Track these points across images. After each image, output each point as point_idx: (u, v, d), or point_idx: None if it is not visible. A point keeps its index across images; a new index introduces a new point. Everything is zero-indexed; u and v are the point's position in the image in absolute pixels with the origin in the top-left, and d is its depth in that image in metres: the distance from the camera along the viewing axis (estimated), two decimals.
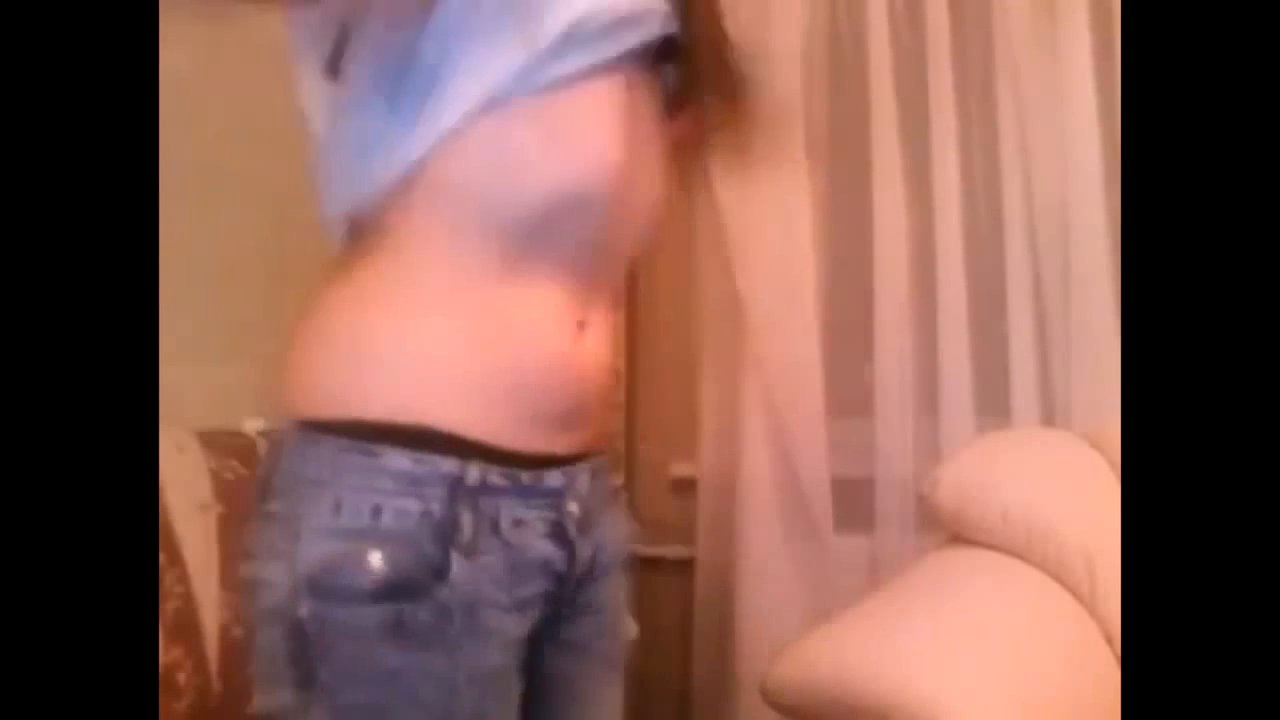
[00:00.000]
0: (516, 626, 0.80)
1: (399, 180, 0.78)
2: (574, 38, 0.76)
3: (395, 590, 0.75)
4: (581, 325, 0.83)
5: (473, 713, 0.77)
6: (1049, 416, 2.03)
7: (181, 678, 1.42)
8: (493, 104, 0.76)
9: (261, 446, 1.71)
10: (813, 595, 2.10)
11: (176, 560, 1.46)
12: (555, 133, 0.78)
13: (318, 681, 0.75)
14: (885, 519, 2.13)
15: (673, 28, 0.83)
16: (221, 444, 1.65)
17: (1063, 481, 1.73)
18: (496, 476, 0.79)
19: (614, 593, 0.91)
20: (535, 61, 0.76)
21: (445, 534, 0.76)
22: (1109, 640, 1.56)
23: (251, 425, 1.83)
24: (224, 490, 1.58)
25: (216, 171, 1.88)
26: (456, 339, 0.78)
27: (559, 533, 0.83)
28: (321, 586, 0.74)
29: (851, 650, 1.37)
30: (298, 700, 0.76)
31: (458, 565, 0.76)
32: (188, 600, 1.46)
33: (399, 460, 0.76)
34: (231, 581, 1.53)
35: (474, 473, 0.78)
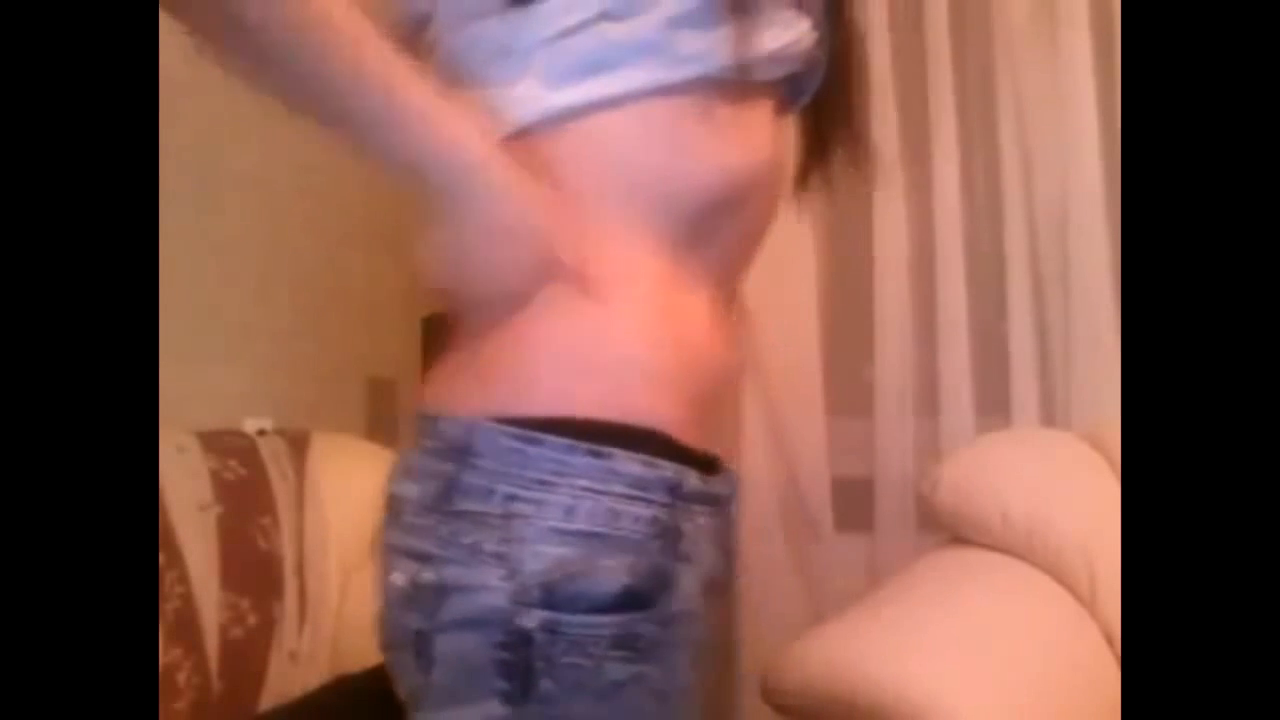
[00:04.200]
0: (696, 640, 0.77)
1: (538, 124, 0.75)
2: (774, 58, 0.77)
3: (632, 600, 0.71)
4: (720, 327, 0.82)
5: None
6: (1049, 416, 2.03)
7: (181, 678, 1.42)
8: (665, 90, 0.75)
9: (262, 447, 1.71)
10: (813, 595, 2.11)
11: (176, 560, 1.46)
12: (723, 125, 0.77)
13: (536, 694, 0.70)
14: (885, 519, 2.13)
15: (813, 69, 0.84)
16: (221, 444, 1.65)
17: (1063, 481, 1.73)
18: (698, 482, 0.77)
19: (720, 606, 0.88)
20: (730, 68, 0.75)
21: (672, 542, 0.74)
22: (1109, 640, 1.56)
23: (252, 425, 1.84)
24: (224, 490, 1.58)
25: (216, 171, 1.88)
26: (657, 338, 0.76)
27: (724, 543, 0.82)
28: (557, 594, 0.70)
29: (851, 650, 1.37)
30: (508, 713, 0.71)
31: (682, 575, 0.74)
32: (188, 600, 1.46)
33: (629, 464, 0.72)
34: (232, 581, 1.54)
35: (689, 478, 0.75)
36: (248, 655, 1.53)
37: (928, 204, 2.12)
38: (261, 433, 1.80)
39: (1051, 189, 2.04)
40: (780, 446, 2.15)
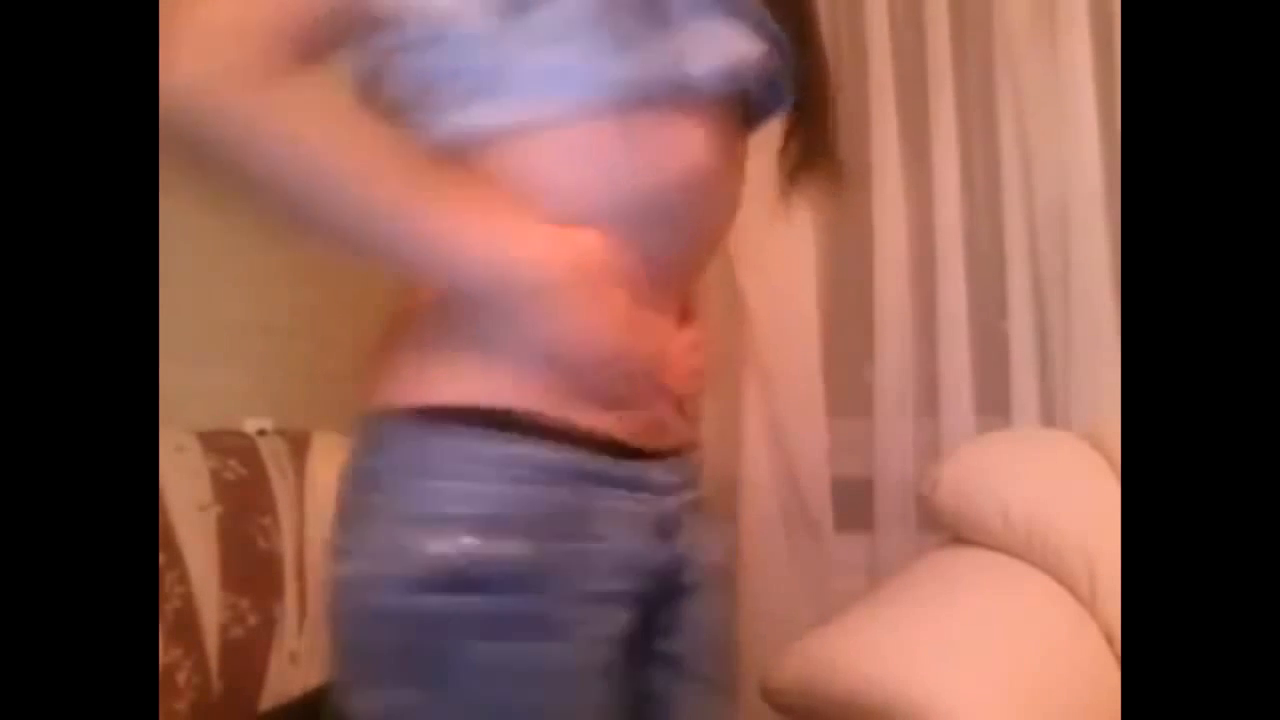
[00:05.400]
0: (610, 622, 0.79)
1: (469, 143, 0.77)
2: (706, 78, 0.78)
3: (537, 580, 0.74)
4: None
5: (583, 704, 0.77)
6: (1049, 416, 2.04)
7: (181, 678, 1.42)
8: (588, 111, 0.77)
9: (262, 447, 1.71)
10: (813, 595, 2.10)
11: (176, 560, 1.46)
12: (646, 142, 0.78)
13: (447, 677, 0.73)
14: (885, 519, 2.13)
15: (780, 80, 0.84)
16: (221, 444, 1.65)
17: (1063, 481, 1.73)
18: (602, 465, 0.79)
19: (714, 609, 0.90)
20: (672, 87, 0.77)
21: (579, 523, 0.76)
22: (1109, 640, 1.56)
23: (252, 425, 1.83)
24: (224, 490, 1.58)
25: None
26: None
27: (648, 529, 0.83)
28: (461, 578, 0.72)
29: (851, 650, 1.37)
30: (421, 698, 0.73)
31: (578, 555, 0.76)
32: (188, 600, 1.46)
33: (531, 449, 0.75)
34: (232, 581, 1.54)
35: (596, 461, 0.78)
36: (248, 655, 1.53)
37: (928, 204, 2.12)
38: (261, 433, 1.80)
39: (1051, 189, 2.04)
40: (780, 446, 2.15)
